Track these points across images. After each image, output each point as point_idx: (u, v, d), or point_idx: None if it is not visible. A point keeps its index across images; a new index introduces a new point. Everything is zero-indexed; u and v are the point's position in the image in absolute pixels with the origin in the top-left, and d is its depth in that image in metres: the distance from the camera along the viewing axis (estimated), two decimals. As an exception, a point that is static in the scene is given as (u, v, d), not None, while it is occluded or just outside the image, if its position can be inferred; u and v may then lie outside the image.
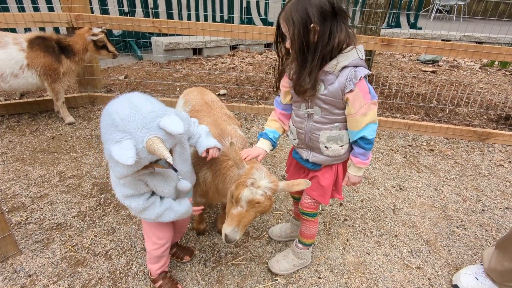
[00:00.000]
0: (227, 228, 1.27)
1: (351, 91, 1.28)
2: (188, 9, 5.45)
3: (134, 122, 1.01)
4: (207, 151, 1.39)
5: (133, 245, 1.85)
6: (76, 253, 1.79)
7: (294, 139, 1.55)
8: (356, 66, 1.29)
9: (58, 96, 3.01)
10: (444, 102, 3.96)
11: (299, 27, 1.23)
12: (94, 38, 2.91)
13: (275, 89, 1.55)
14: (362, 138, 1.36)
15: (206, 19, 5.60)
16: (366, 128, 1.34)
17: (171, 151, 1.26)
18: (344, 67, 1.29)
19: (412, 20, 7.57)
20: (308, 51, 1.27)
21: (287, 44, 1.32)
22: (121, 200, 1.23)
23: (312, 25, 1.22)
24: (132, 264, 1.74)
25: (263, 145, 1.54)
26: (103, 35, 2.94)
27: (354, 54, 1.29)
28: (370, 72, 1.33)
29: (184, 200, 1.38)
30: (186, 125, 1.29)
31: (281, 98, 1.54)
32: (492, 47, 2.92)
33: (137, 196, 1.24)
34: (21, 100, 3.30)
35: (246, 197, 1.22)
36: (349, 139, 1.44)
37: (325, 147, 1.44)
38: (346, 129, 1.41)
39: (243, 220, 1.25)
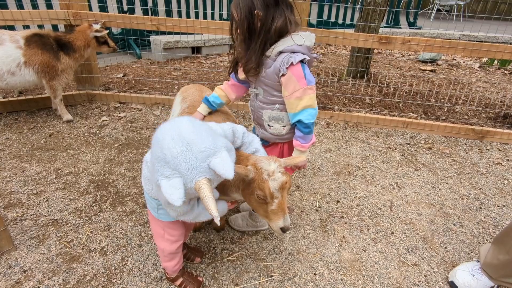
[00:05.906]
0: (279, 222, 1.30)
1: (283, 75, 1.40)
2: (187, 7, 5.44)
3: (185, 162, 1.02)
4: None
5: (128, 242, 1.85)
6: (72, 249, 1.78)
7: (251, 117, 1.75)
8: (293, 52, 1.40)
9: (56, 94, 3.01)
10: (442, 100, 3.96)
11: (245, 12, 1.37)
12: (98, 34, 2.91)
13: (230, 70, 1.68)
14: (300, 121, 1.46)
15: (205, 17, 5.60)
16: (303, 112, 1.44)
17: None
18: (280, 52, 1.41)
19: (411, 19, 7.56)
20: (253, 35, 1.41)
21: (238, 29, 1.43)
22: (164, 205, 1.22)
23: (256, 11, 1.36)
24: (127, 260, 1.73)
25: (201, 108, 1.70)
26: (107, 31, 2.95)
27: (290, 41, 1.40)
28: (309, 58, 1.44)
29: (222, 201, 1.37)
30: (231, 138, 1.35)
31: (238, 74, 1.65)
32: (490, 44, 2.91)
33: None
34: (19, 98, 3.29)
35: (275, 187, 1.26)
36: (290, 121, 1.54)
37: (268, 125, 1.60)
38: (287, 111, 1.52)
39: (283, 205, 1.31)
